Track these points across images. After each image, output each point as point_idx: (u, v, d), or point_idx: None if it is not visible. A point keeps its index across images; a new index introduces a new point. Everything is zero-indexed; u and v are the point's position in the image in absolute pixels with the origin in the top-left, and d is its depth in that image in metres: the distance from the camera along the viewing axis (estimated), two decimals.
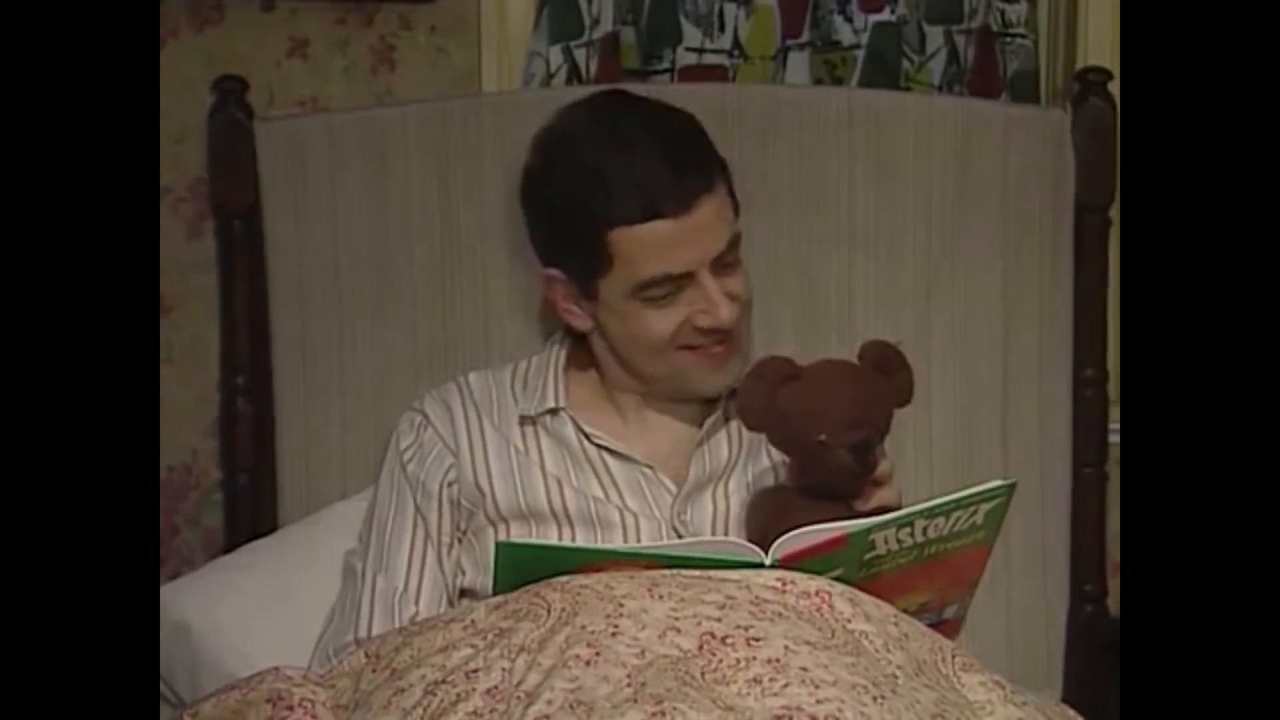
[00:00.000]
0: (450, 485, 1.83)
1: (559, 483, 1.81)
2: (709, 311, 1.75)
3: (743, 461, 1.84)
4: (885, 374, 1.71)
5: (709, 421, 1.85)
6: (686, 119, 1.82)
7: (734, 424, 1.86)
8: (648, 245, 1.73)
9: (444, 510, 1.83)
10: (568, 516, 1.79)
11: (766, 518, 1.73)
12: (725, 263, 1.77)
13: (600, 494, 1.81)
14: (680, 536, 1.79)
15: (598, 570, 1.57)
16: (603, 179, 1.74)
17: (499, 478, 1.82)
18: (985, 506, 1.61)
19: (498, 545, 1.62)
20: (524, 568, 1.59)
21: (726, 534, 1.79)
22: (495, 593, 1.62)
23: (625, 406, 1.86)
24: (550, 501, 1.80)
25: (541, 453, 1.83)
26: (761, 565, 1.58)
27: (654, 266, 1.73)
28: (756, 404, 1.71)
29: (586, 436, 1.83)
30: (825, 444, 1.67)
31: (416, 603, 1.81)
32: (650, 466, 1.82)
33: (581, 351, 1.88)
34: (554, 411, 1.84)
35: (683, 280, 1.75)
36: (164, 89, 2.08)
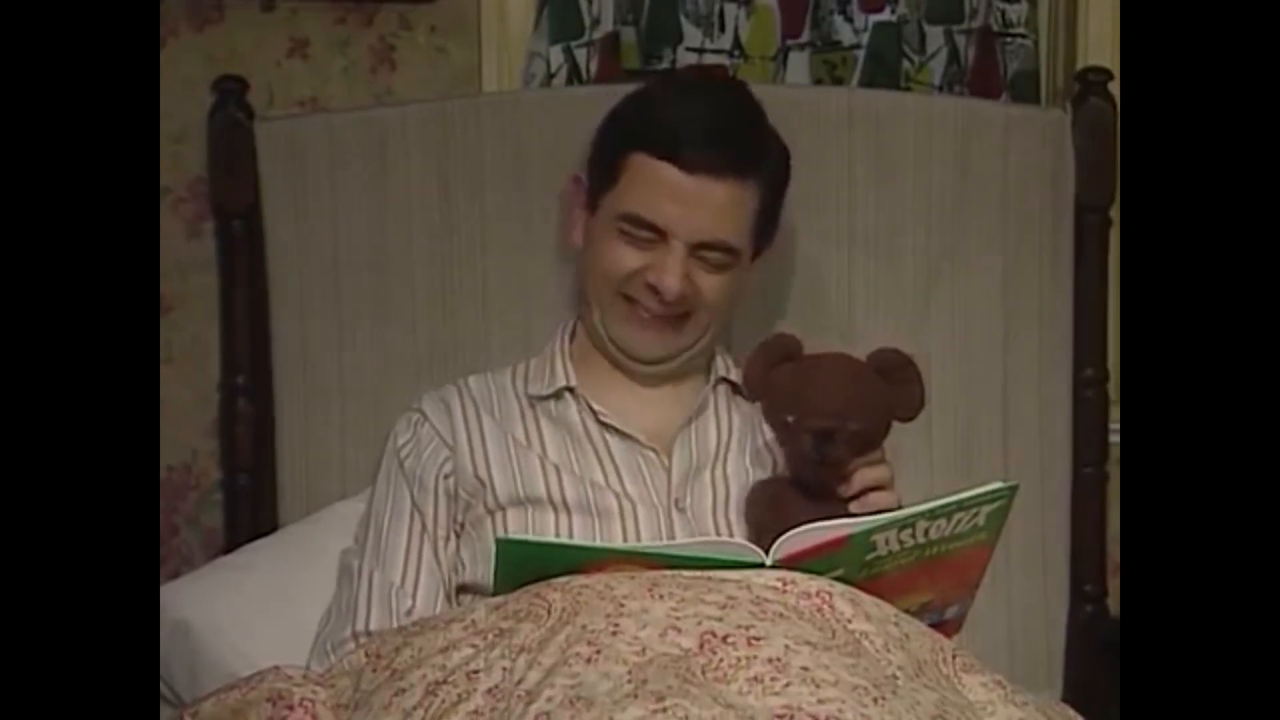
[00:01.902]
0: (447, 478, 1.84)
1: (558, 470, 1.82)
2: (659, 275, 1.78)
3: (735, 445, 1.86)
4: (889, 382, 1.72)
5: (695, 405, 1.87)
6: (764, 136, 1.85)
7: (723, 408, 1.88)
8: (648, 180, 1.77)
9: (440, 504, 1.83)
10: (565, 504, 1.80)
11: (763, 511, 1.75)
12: (706, 258, 1.79)
13: (600, 479, 1.81)
14: (677, 522, 1.79)
15: (599, 569, 1.57)
16: (654, 106, 1.82)
17: (497, 466, 1.82)
18: (987, 508, 1.61)
19: (498, 542, 1.62)
20: (524, 565, 1.59)
21: (727, 518, 1.80)
22: (495, 590, 1.62)
23: (624, 383, 1.87)
24: (549, 489, 1.80)
25: (542, 441, 1.84)
26: (763, 565, 1.58)
27: (641, 204, 1.78)
28: (753, 373, 1.79)
29: (594, 415, 1.84)
30: (790, 426, 1.71)
31: (413, 597, 1.81)
32: (654, 449, 1.83)
33: (582, 335, 1.91)
34: (561, 394, 1.86)
35: (659, 235, 1.78)
36: (164, 89, 2.08)
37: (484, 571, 1.76)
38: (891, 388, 1.73)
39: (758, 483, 1.80)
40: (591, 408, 1.85)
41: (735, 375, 1.90)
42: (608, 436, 1.84)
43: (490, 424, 1.86)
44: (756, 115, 1.85)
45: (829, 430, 1.68)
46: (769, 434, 1.83)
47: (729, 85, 1.93)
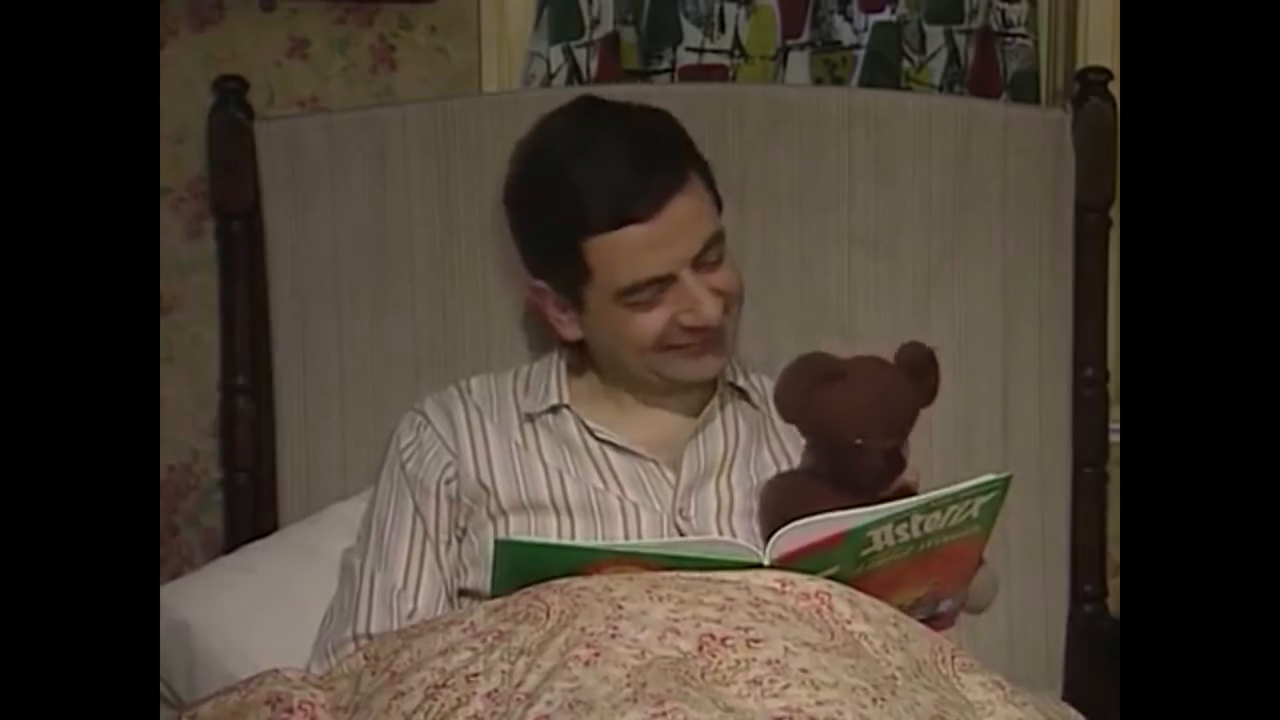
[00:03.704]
0: (449, 483, 1.83)
1: (560, 474, 1.82)
2: (694, 310, 1.76)
3: (742, 453, 1.85)
4: (917, 378, 1.72)
5: (703, 414, 1.86)
6: (658, 119, 1.82)
7: (730, 416, 1.87)
8: (624, 251, 1.74)
9: (442, 508, 1.83)
10: (568, 507, 1.80)
11: (781, 504, 1.73)
12: (707, 261, 1.77)
13: (600, 485, 1.81)
14: (681, 531, 1.79)
15: (597, 569, 1.57)
16: (573, 189, 1.75)
17: (500, 471, 1.82)
18: (981, 500, 1.60)
19: (498, 544, 1.62)
20: (524, 567, 1.59)
21: (731, 527, 1.79)
22: (493, 592, 1.62)
23: (624, 401, 1.86)
24: (551, 492, 1.80)
25: (540, 447, 1.84)
26: (760, 564, 1.58)
27: (633, 272, 1.74)
28: (795, 399, 1.72)
29: (590, 432, 1.84)
30: (861, 447, 1.68)
31: (415, 600, 1.81)
32: (654, 460, 1.82)
33: (579, 357, 1.89)
34: (556, 409, 1.85)
35: (665, 281, 1.75)
36: (164, 89, 2.08)
37: (484, 578, 1.75)
38: (919, 386, 1.72)
39: (775, 476, 1.79)
40: (586, 424, 1.85)
41: (744, 382, 1.89)
42: (606, 449, 1.84)
43: (492, 428, 1.85)
44: (639, 118, 1.80)
45: (898, 448, 1.69)
46: (775, 448, 1.83)
47: (601, 110, 1.83)
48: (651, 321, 1.77)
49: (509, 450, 1.84)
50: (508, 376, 1.92)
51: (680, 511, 1.80)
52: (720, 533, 1.78)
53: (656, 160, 1.75)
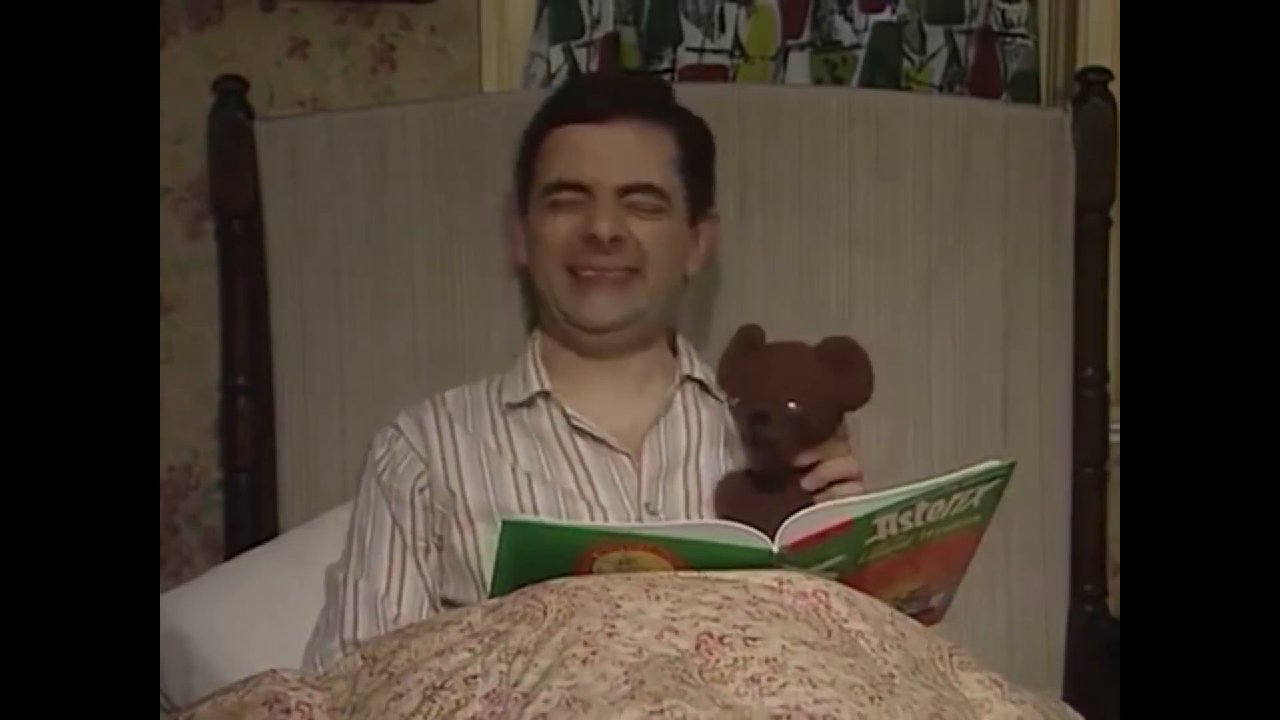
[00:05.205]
0: (422, 491, 1.84)
1: (529, 478, 1.82)
2: (591, 222, 1.81)
3: (705, 442, 1.86)
4: (835, 369, 1.74)
5: (661, 403, 1.87)
6: (682, 109, 1.92)
7: (690, 405, 1.89)
8: (563, 147, 1.86)
9: (418, 516, 1.84)
10: (535, 514, 1.80)
11: (727, 508, 1.75)
12: (637, 204, 1.83)
13: (572, 486, 1.82)
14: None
15: (601, 552, 1.57)
16: (557, 90, 1.98)
17: (469, 477, 1.83)
18: (984, 488, 1.60)
19: (503, 524, 1.61)
20: (527, 550, 1.58)
21: (700, 516, 1.81)
22: (494, 578, 1.61)
23: (595, 385, 1.87)
24: (520, 498, 1.81)
25: (514, 449, 1.85)
26: (769, 551, 1.57)
27: (561, 169, 1.85)
28: (724, 366, 1.81)
29: (566, 419, 1.85)
30: (735, 410, 1.75)
31: (399, 605, 1.82)
32: (627, 454, 1.83)
33: (549, 342, 1.92)
34: (533, 401, 1.87)
35: (585, 193, 1.83)
36: (164, 89, 2.08)
37: (460, 587, 1.79)
38: (837, 375, 1.74)
39: (721, 479, 1.81)
40: (565, 412, 1.85)
41: (700, 373, 1.91)
42: (579, 441, 1.85)
43: (463, 436, 1.86)
44: (659, 82, 2.02)
45: (764, 412, 1.71)
46: (733, 431, 1.84)
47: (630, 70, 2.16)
48: (560, 225, 1.84)
49: (479, 455, 1.84)
50: (480, 385, 1.93)
51: (647, 505, 1.81)
52: None
53: (631, 90, 1.91)
